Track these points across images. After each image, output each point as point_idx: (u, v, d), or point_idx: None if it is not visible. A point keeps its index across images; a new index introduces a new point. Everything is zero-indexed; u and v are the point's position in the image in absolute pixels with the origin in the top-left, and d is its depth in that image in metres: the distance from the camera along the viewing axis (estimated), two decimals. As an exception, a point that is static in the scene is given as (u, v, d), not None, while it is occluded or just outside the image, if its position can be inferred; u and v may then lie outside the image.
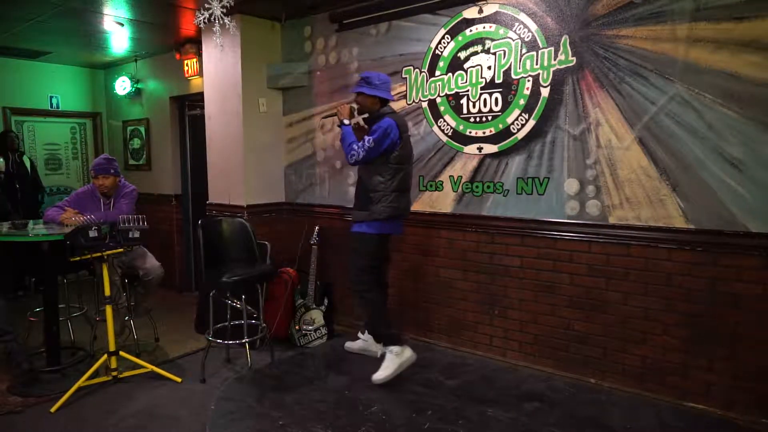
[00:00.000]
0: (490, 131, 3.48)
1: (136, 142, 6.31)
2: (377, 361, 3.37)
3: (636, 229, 2.97)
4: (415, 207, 3.89)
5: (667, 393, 2.93)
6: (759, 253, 2.63)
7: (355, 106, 3.33)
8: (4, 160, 5.58)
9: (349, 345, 3.73)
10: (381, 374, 3.19)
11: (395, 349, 3.22)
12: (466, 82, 3.56)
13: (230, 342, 3.78)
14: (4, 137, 5.60)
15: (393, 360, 3.20)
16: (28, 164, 5.81)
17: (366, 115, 3.30)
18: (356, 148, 3.12)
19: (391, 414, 2.77)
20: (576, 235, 3.18)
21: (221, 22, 3.56)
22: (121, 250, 3.45)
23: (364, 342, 3.65)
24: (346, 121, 3.29)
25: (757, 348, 2.67)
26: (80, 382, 3.29)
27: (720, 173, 2.71)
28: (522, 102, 3.33)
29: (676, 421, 2.69)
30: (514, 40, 3.33)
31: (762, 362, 2.66)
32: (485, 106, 3.49)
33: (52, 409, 3.14)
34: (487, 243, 3.57)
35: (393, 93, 3.94)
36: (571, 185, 3.18)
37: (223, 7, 3.52)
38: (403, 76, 3.88)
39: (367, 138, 3.11)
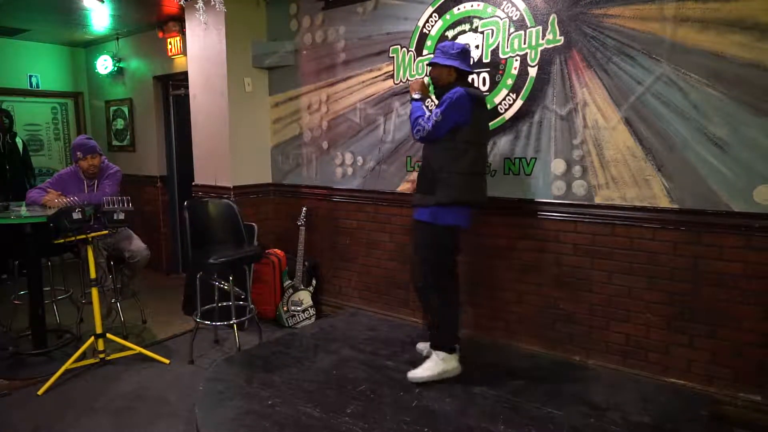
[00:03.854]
0: (478, 111, 3.47)
1: (120, 123, 6.20)
2: (366, 344, 3.40)
3: (621, 209, 3.00)
4: (402, 188, 3.89)
5: (650, 369, 2.99)
6: (740, 232, 2.67)
7: (422, 80, 3.09)
8: None
9: (422, 347, 3.25)
10: (420, 373, 2.90)
11: (444, 354, 2.93)
12: (453, 61, 3.53)
13: (218, 323, 3.79)
14: (3, 115, 5.50)
15: (438, 364, 2.91)
16: (20, 145, 5.70)
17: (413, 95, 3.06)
18: (422, 122, 2.82)
19: (379, 392, 2.80)
20: (562, 215, 3.20)
21: (204, -1, 3.48)
22: (105, 232, 3.42)
23: (425, 350, 3.20)
24: (417, 96, 3.02)
25: (736, 325, 2.73)
26: (67, 365, 3.28)
27: (704, 153, 2.73)
28: (510, 82, 3.31)
29: (658, 396, 2.75)
30: (501, 19, 3.30)
31: (740, 339, 2.72)
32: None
33: (40, 392, 3.14)
34: (474, 223, 3.57)
35: (380, 72, 3.92)
36: (558, 165, 3.19)
37: (206, -17, 3.45)
38: (390, 55, 3.83)
39: (435, 110, 2.80)
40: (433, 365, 2.92)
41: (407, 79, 3.77)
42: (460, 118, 2.77)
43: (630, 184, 2.96)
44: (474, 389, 2.82)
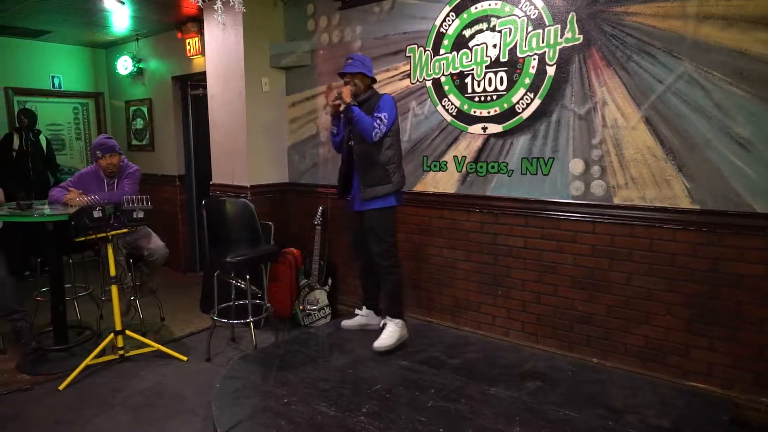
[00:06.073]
0: (495, 111, 3.45)
1: (139, 123, 6.29)
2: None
3: (641, 209, 2.96)
4: (419, 187, 3.88)
5: (668, 372, 2.95)
6: (763, 234, 2.62)
7: (350, 87, 3.23)
8: (19, 138, 5.59)
9: (348, 323, 3.67)
10: (385, 342, 3.26)
11: (401, 322, 3.33)
12: (471, 60, 3.52)
13: (235, 321, 3.82)
14: (21, 115, 5.63)
15: (397, 331, 3.30)
16: (44, 143, 5.81)
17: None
18: (377, 125, 3.12)
19: (395, 392, 2.80)
20: (580, 215, 3.16)
21: (223, -1, 3.51)
22: (125, 230, 3.47)
23: (363, 318, 3.62)
24: (353, 102, 3.20)
25: (757, 328, 2.68)
26: (87, 361, 3.34)
27: (727, 153, 2.68)
28: (527, 81, 3.29)
29: (677, 400, 2.70)
30: (519, 18, 3.27)
31: (762, 342, 2.67)
32: (490, 85, 3.45)
33: (61, 387, 3.20)
34: (491, 223, 3.56)
35: (396, 72, 3.94)
36: (576, 165, 3.15)
37: (224, -16, 3.47)
38: (407, 54, 3.83)
39: (381, 114, 3.13)
40: (395, 333, 3.31)
41: (424, 78, 3.77)
42: (395, 117, 3.23)
43: (650, 184, 2.92)
44: (490, 390, 2.81)
